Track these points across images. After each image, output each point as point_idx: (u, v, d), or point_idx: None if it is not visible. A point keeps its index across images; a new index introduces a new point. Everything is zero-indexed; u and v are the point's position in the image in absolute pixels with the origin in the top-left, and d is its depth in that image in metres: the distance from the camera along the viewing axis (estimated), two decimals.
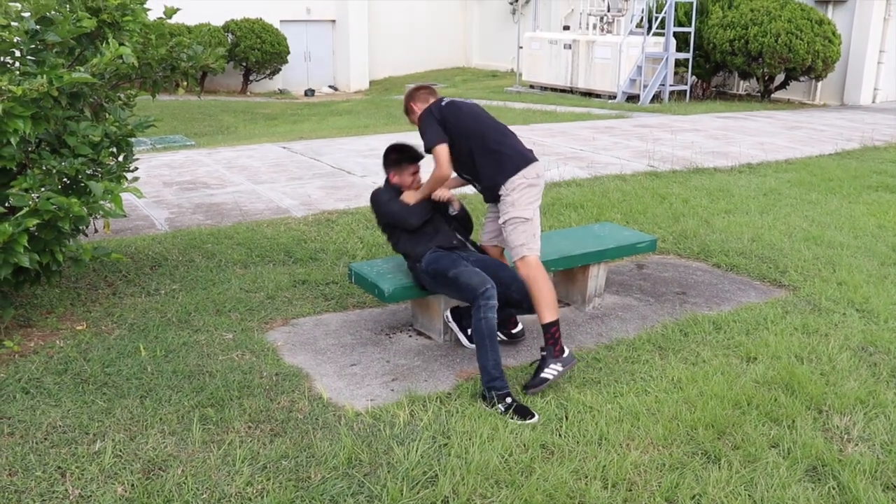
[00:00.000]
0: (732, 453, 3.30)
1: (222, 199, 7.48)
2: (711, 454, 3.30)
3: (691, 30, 16.91)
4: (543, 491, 3.01)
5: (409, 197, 4.22)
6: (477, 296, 3.79)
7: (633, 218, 6.86)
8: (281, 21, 22.30)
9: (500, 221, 4.05)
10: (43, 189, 3.90)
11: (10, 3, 4.04)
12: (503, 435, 3.37)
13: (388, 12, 24.53)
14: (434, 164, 4.05)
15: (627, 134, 11.83)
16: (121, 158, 4.68)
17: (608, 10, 18.82)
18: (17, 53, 4.14)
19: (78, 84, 4.04)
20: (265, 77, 22.13)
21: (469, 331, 4.26)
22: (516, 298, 4.00)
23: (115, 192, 4.08)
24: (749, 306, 4.98)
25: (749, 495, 3.04)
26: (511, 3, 24.73)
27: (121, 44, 4.26)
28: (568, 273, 4.98)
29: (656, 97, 16.99)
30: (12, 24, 4.00)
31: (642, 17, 17.56)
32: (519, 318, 4.51)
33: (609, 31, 18.72)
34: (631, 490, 3.06)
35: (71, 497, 2.94)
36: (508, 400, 3.62)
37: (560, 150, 10.19)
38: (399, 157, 4.33)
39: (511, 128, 4.25)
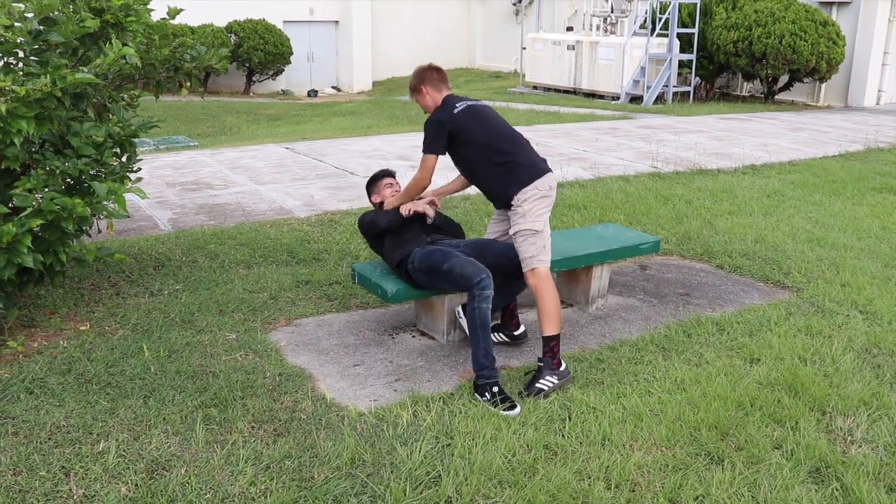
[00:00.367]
0: (736, 454, 3.30)
1: (225, 199, 7.49)
2: (715, 455, 3.30)
3: (695, 31, 16.91)
4: (547, 491, 3.01)
5: (388, 203, 4.40)
6: (472, 286, 3.82)
7: (636, 219, 6.85)
8: (284, 22, 22.32)
9: (511, 232, 4.05)
10: (46, 189, 3.91)
11: (14, 4, 4.04)
12: (506, 435, 3.36)
13: (390, 13, 24.55)
14: (419, 169, 4.12)
15: (631, 135, 11.82)
16: (124, 159, 4.69)
17: (612, 11, 18.82)
18: (21, 54, 4.14)
19: (81, 84, 4.05)
20: (268, 78, 22.15)
21: None
22: (517, 264, 4.04)
23: (119, 193, 4.08)
24: (752, 308, 4.97)
25: (752, 496, 3.04)
26: (514, 4, 24.73)
27: (124, 44, 4.27)
28: (571, 274, 4.98)
29: (660, 98, 16.98)
30: (16, 24, 4.00)
31: (646, 18, 17.56)
32: (521, 319, 4.51)
33: (612, 32, 18.72)
34: (634, 491, 3.06)
35: (75, 497, 2.94)
36: (495, 389, 3.67)
37: (563, 151, 10.19)
38: (372, 182, 4.65)
39: (515, 128, 4.24)
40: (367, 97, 22.01)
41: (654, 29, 17.08)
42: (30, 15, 4.06)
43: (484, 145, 4.06)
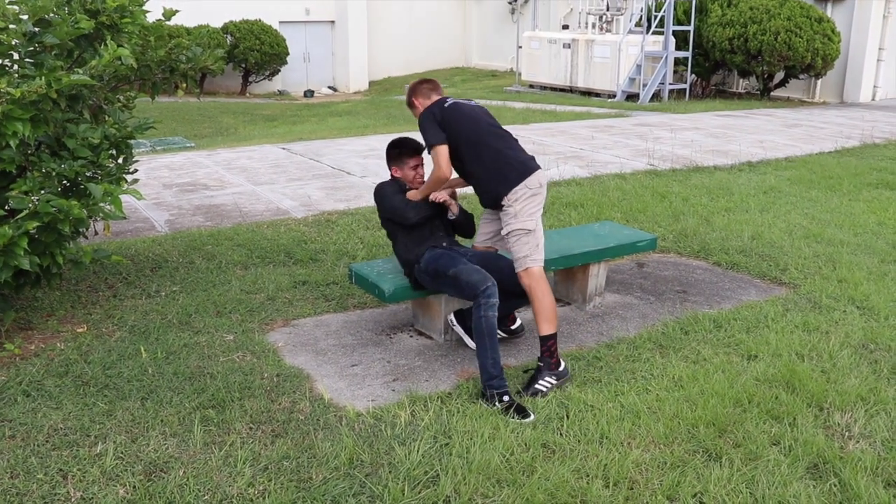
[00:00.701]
0: (733, 451, 3.30)
1: (222, 200, 7.48)
2: (712, 452, 3.30)
3: (690, 28, 16.92)
4: (545, 490, 3.01)
5: (412, 196, 4.22)
6: (478, 294, 3.79)
7: (633, 216, 6.86)
8: (280, 22, 22.32)
9: (504, 233, 4.03)
10: (43, 192, 3.90)
11: (8, 6, 4.04)
12: (504, 434, 3.37)
13: (387, 13, 24.55)
14: (433, 165, 4.04)
15: (627, 133, 11.83)
16: (120, 160, 4.68)
17: (607, 9, 18.83)
18: (16, 56, 4.14)
19: (77, 86, 4.04)
20: (264, 78, 22.15)
21: None
22: (519, 290, 4.01)
23: (115, 195, 4.08)
24: (749, 304, 4.98)
25: (750, 493, 3.04)
26: (510, 3, 24.73)
27: (119, 46, 4.26)
28: (568, 272, 4.98)
29: (656, 96, 16.99)
30: (10, 26, 4.00)
31: (641, 16, 17.57)
32: (517, 314, 4.51)
33: (608, 30, 18.74)
34: (632, 488, 3.06)
35: (73, 499, 2.94)
36: (506, 399, 3.63)
37: (560, 150, 10.19)
38: (399, 151, 4.34)
39: (510, 127, 4.23)
40: (363, 97, 22.01)
41: (649, 27, 17.09)
42: (24, 17, 4.05)
43: (469, 142, 4.02)
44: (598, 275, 4.96)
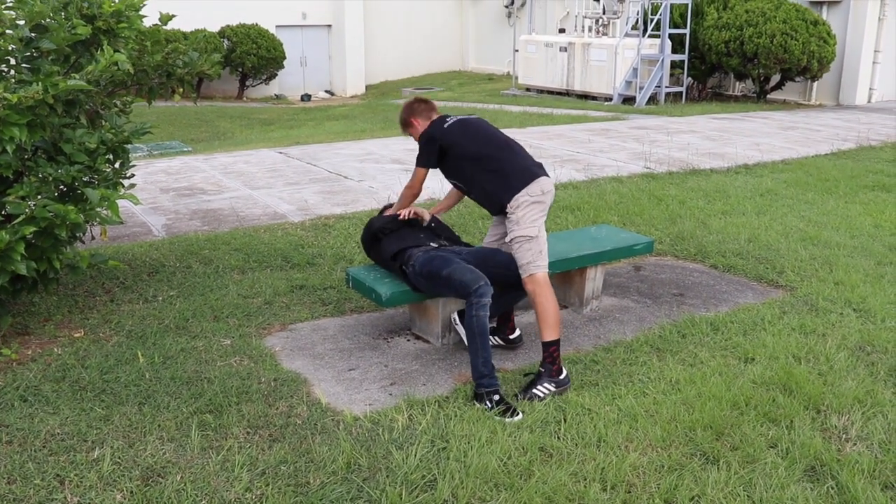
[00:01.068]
0: (731, 454, 3.30)
1: (219, 204, 7.48)
2: (710, 455, 3.30)
3: (686, 31, 16.95)
4: (542, 493, 3.01)
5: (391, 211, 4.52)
6: (470, 293, 3.82)
7: (629, 220, 6.87)
8: (277, 26, 22.32)
9: (507, 240, 4.08)
10: (39, 197, 3.90)
11: (5, 11, 4.04)
12: (502, 438, 3.37)
13: (383, 16, 24.56)
14: (410, 178, 4.34)
15: (624, 136, 11.85)
16: (117, 165, 4.67)
17: (603, 13, 18.86)
18: (13, 61, 4.14)
19: (73, 91, 4.04)
20: (261, 82, 22.14)
21: None
22: (516, 280, 4.04)
23: (112, 199, 4.08)
24: (746, 307, 4.98)
25: (748, 496, 3.04)
26: (506, 7, 24.77)
27: (116, 51, 4.26)
28: (565, 275, 4.98)
29: (652, 99, 17.02)
30: (7, 31, 4.00)
31: (637, 19, 17.60)
32: (518, 322, 4.51)
33: (604, 34, 18.76)
34: (630, 492, 3.07)
35: None
36: (496, 397, 3.65)
37: (556, 153, 10.20)
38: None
39: (507, 131, 4.25)
40: (360, 101, 22.01)
41: (645, 30, 17.12)
42: (21, 22, 4.05)
43: (476, 157, 4.13)
44: (594, 278, 4.97)
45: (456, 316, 4.33)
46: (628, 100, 17.18)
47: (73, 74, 4.17)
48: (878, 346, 4.39)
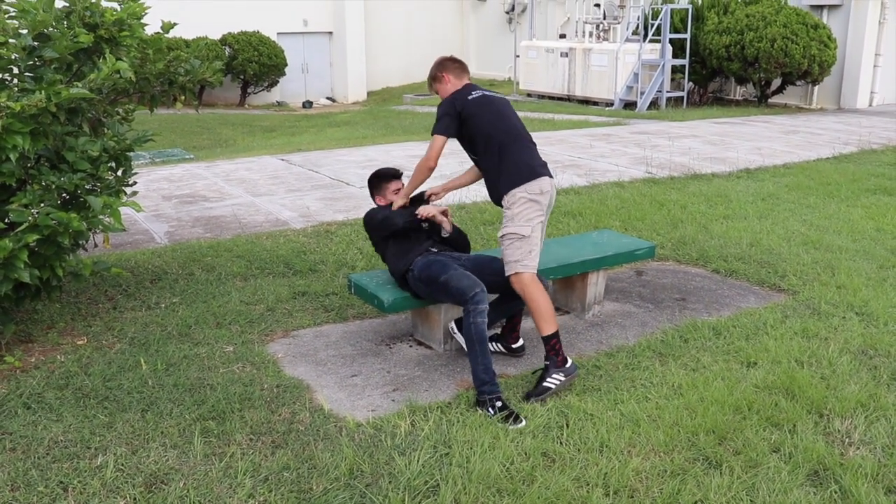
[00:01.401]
0: (734, 459, 3.30)
1: (221, 211, 7.49)
2: (713, 460, 3.30)
3: (687, 36, 16.97)
4: (545, 499, 3.01)
5: (399, 199, 4.32)
6: (466, 300, 3.82)
7: (631, 225, 6.87)
8: (278, 33, 22.39)
9: (499, 235, 4.02)
10: (42, 204, 3.92)
11: (8, 20, 4.06)
12: (504, 443, 3.37)
13: (384, 23, 24.62)
14: (427, 150, 4.08)
15: (625, 141, 11.86)
16: (119, 173, 4.69)
17: (604, 18, 18.89)
18: (16, 70, 4.16)
19: (76, 100, 4.06)
20: (263, 89, 22.20)
21: None
22: (511, 287, 4.02)
23: (114, 207, 4.09)
24: (748, 311, 4.98)
25: (751, 500, 3.04)
26: (507, 13, 24.81)
27: (118, 59, 4.28)
28: (567, 281, 4.99)
29: (653, 104, 17.04)
30: (10, 40, 4.02)
31: (638, 25, 17.63)
32: (520, 332, 4.51)
33: (605, 39, 18.79)
34: (633, 497, 3.06)
35: None
36: (498, 404, 3.65)
37: (558, 158, 10.21)
38: (379, 180, 4.47)
39: (524, 128, 4.19)
40: (361, 107, 22.06)
41: (646, 35, 17.14)
42: (24, 31, 4.07)
43: (486, 134, 4.00)
44: (596, 283, 4.97)
45: (453, 325, 4.32)
46: (629, 105, 17.19)
47: (75, 83, 4.19)
48: (880, 349, 4.39)
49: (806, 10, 16.39)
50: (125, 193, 4.64)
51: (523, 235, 3.93)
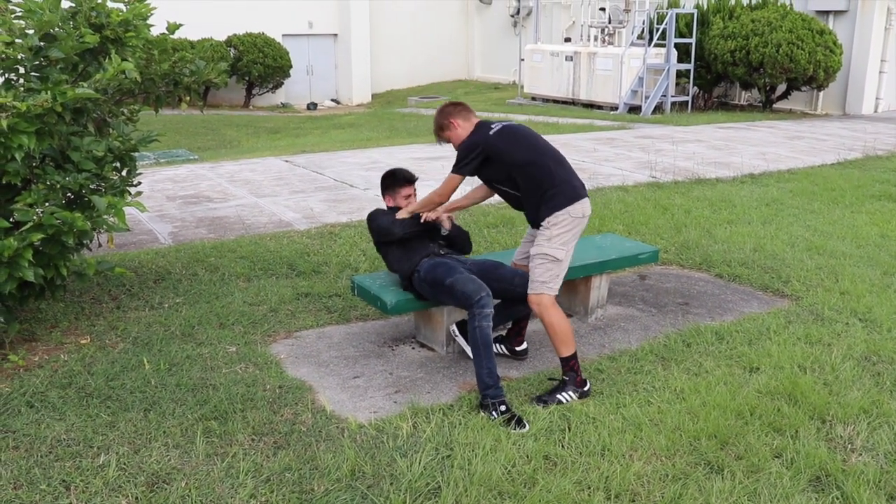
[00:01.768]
0: (735, 463, 3.30)
1: (225, 212, 7.51)
2: (714, 464, 3.30)
3: (692, 41, 16.97)
4: (546, 502, 3.01)
5: (402, 213, 4.33)
6: (472, 304, 3.82)
7: (635, 229, 6.87)
8: (283, 35, 22.42)
9: (532, 252, 3.96)
10: (47, 204, 3.93)
11: (15, 21, 4.07)
12: (506, 446, 3.37)
13: (389, 26, 24.65)
14: (441, 185, 4.10)
15: (629, 145, 11.86)
16: (124, 173, 4.71)
17: (609, 22, 18.89)
18: (22, 70, 4.17)
19: (81, 100, 4.07)
20: (268, 91, 22.23)
21: None
22: (520, 292, 4.02)
23: (119, 207, 4.10)
24: (751, 316, 4.98)
25: None
26: (512, 16, 24.84)
27: (123, 59, 4.30)
28: (570, 284, 4.99)
29: (658, 108, 17.03)
30: (16, 40, 4.03)
31: (643, 29, 17.63)
32: (525, 335, 4.51)
33: (610, 43, 18.79)
34: (634, 501, 3.06)
35: None
36: (502, 408, 3.66)
37: None
38: (392, 181, 4.47)
39: (554, 148, 4.18)
40: (366, 109, 22.08)
41: (651, 39, 17.14)
42: (30, 31, 4.09)
43: (526, 162, 3.95)
44: (600, 287, 4.97)
45: (455, 328, 4.32)
46: (634, 109, 17.18)
47: (81, 83, 4.21)
48: (883, 356, 4.38)
49: (812, 16, 16.38)
50: (129, 193, 4.65)
51: (557, 259, 3.90)
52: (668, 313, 5.08)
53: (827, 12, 17.07)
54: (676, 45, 17.08)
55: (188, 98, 5.17)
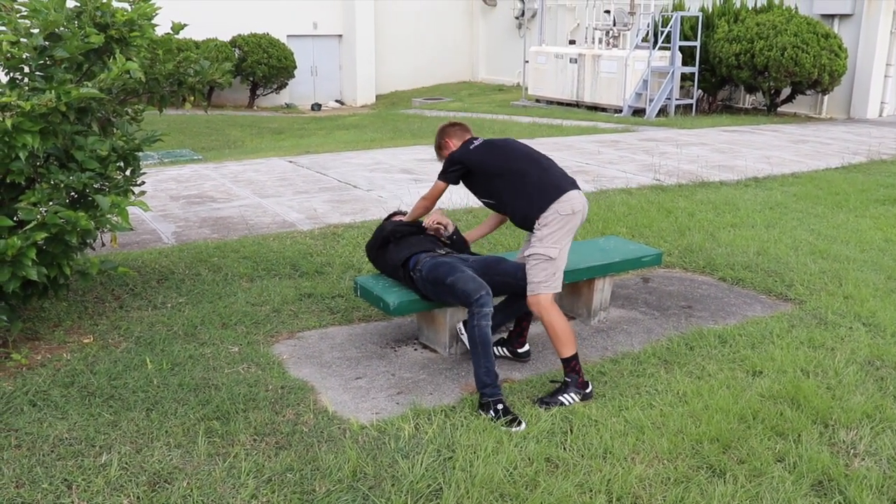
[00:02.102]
0: (738, 467, 3.29)
1: (229, 212, 7.51)
2: (717, 468, 3.29)
3: (697, 44, 16.96)
4: None
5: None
6: (471, 303, 3.83)
7: (638, 231, 6.86)
8: (288, 36, 22.44)
9: (526, 254, 4.01)
10: (51, 203, 3.94)
11: (20, 20, 4.08)
12: (508, 448, 3.36)
13: (394, 27, 24.66)
14: (429, 190, 4.34)
15: (633, 148, 11.85)
16: (128, 172, 4.71)
17: (614, 25, 18.89)
18: (26, 69, 4.18)
19: (86, 99, 4.08)
20: (272, 91, 22.24)
21: None
22: (523, 286, 4.02)
23: (122, 206, 4.11)
24: (755, 320, 4.97)
25: None
26: (517, 18, 24.84)
27: (128, 59, 4.30)
28: (573, 286, 4.98)
29: (662, 111, 17.02)
30: (22, 40, 4.04)
31: (648, 32, 17.62)
32: (527, 337, 4.51)
33: (615, 46, 18.79)
34: None
35: None
36: (500, 406, 3.66)
37: (566, 164, 10.19)
38: (387, 217, 4.72)
39: (536, 153, 4.22)
40: (370, 111, 22.09)
41: (656, 42, 17.14)
42: (35, 31, 4.10)
43: (500, 173, 4.10)
44: (603, 289, 4.96)
45: (461, 325, 4.33)
46: (638, 112, 17.18)
47: (85, 83, 4.21)
48: (887, 360, 4.37)
49: (817, 20, 16.35)
50: (133, 193, 4.66)
51: (550, 257, 3.92)
52: (671, 316, 5.07)
53: (832, 16, 17.05)
54: (681, 48, 17.07)
55: (192, 98, 5.18)
